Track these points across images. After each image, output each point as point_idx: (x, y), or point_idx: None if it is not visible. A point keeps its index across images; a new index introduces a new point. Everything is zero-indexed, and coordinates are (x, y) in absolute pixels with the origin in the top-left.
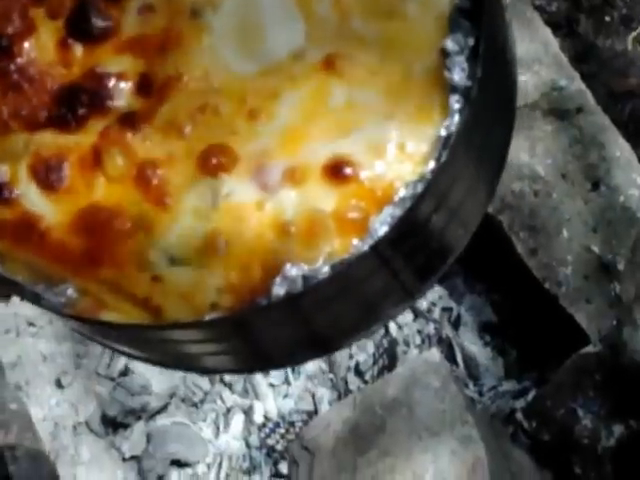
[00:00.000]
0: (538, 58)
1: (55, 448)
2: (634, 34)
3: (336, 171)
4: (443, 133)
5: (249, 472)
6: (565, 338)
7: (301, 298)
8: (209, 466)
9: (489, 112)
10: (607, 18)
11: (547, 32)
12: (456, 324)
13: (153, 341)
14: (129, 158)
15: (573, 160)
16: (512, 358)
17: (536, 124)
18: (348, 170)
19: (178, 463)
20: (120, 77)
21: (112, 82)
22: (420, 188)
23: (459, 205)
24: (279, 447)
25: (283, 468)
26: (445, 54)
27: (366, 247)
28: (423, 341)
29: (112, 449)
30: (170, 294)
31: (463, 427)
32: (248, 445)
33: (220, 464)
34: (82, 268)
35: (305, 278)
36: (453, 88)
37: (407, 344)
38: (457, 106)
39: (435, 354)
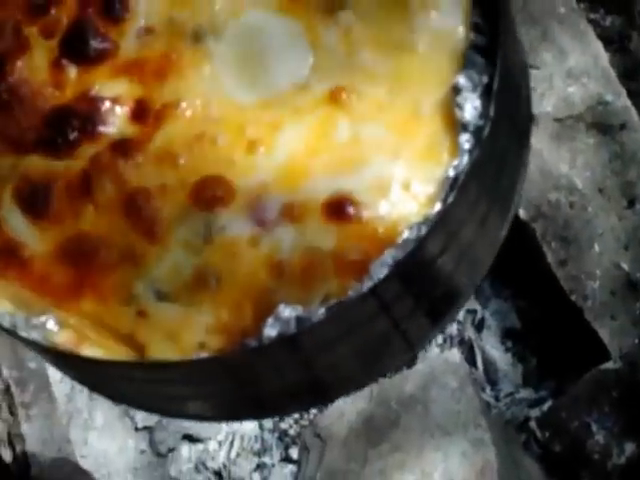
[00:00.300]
0: (587, 71)
1: (69, 410)
2: None
3: (337, 209)
4: (451, 174)
5: (259, 454)
6: (586, 351)
7: (294, 341)
8: (220, 444)
9: (501, 151)
10: None
11: (598, 46)
12: (479, 327)
13: (136, 380)
14: (120, 186)
15: (611, 176)
16: (531, 366)
17: (579, 136)
18: (350, 209)
19: (190, 438)
20: (115, 101)
21: (106, 106)
22: (424, 230)
23: (467, 247)
24: (292, 432)
25: (293, 453)
26: (457, 91)
27: (365, 289)
28: (445, 341)
29: (126, 417)
30: (156, 331)
31: (476, 430)
32: (261, 427)
33: (232, 443)
34: (64, 299)
35: (299, 320)
36: (464, 127)
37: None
38: (467, 146)
39: (455, 355)
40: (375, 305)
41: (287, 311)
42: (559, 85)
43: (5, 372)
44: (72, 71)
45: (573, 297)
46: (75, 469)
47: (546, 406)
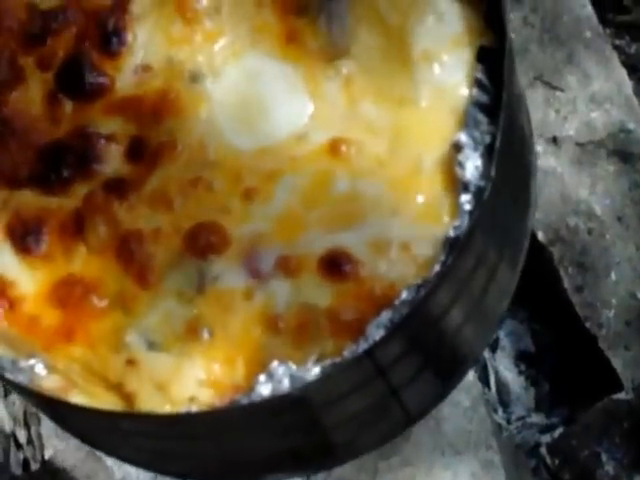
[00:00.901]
0: (610, 97)
1: None
2: None
3: (334, 266)
4: (451, 234)
5: None
6: (599, 380)
7: (286, 401)
8: None
9: (503, 208)
10: None
11: (623, 73)
12: (494, 347)
13: (122, 431)
14: (113, 228)
15: (631, 204)
16: (544, 391)
17: (600, 162)
18: (347, 266)
19: None
20: (110, 139)
21: (101, 144)
22: (423, 292)
23: (472, 306)
24: None
25: None
26: (458, 148)
27: (360, 351)
28: None
29: None
30: (145, 381)
31: (487, 451)
32: None
33: None
34: (53, 343)
35: (292, 378)
36: (465, 186)
37: None
38: (468, 207)
39: (469, 374)
40: (371, 368)
41: (281, 369)
42: (582, 109)
43: None
44: (68, 106)
45: (588, 324)
46: (88, 455)
47: (557, 433)
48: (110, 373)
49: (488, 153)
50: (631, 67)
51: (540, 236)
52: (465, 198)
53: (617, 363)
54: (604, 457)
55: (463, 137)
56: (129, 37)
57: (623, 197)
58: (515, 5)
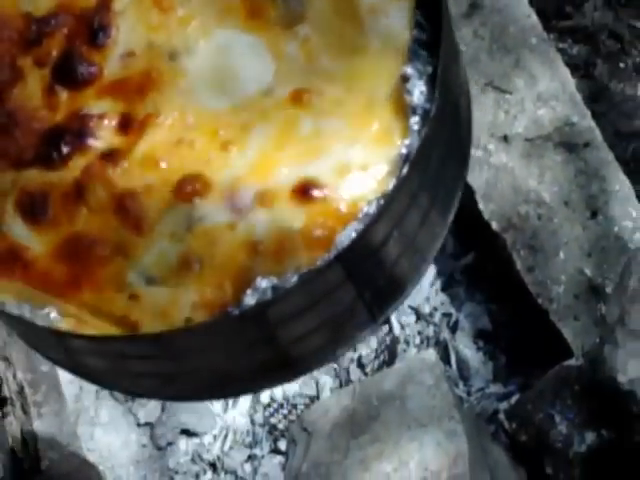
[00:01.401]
0: (555, 95)
1: (77, 409)
2: None
3: (304, 192)
4: (403, 151)
5: (251, 446)
6: (551, 350)
7: (271, 307)
8: (215, 437)
9: (445, 137)
10: (622, 65)
11: (566, 72)
12: (454, 329)
13: (125, 360)
14: (109, 190)
15: (576, 190)
16: (501, 364)
17: (547, 154)
18: (315, 191)
19: (187, 432)
20: (102, 117)
21: (94, 122)
22: (382, 203)
23: (414, 233)
24: (280, 426)
25: (282, 445)
26: (405, 79)
27: (331, 257)
28: (422, 341)
29: (129, 414)
30: (147, 311)
31: (449, 422)
32: (253, 422)
33: (225, 436)
34: (64, 293)
35: (274, 288)
36: (413, 110)
37: (407, 343)
38: (416, 127)
39: (432, 354)
40: (341, 273)
41: (264, 282)
42: (530, 108)
43: (19, 375)
44: (63, 94)
45: (540, 300)
46: (82, 462)
47: (514, 399)
48: (115, 309)
49: (431, 81)
50: (574, 66)
51: (494, 226)
52: (414, 120)
53: (568, 333)
54: (557, 418)
55: (409, 70)
56: (113, 30)
57: (569, 183)
58: (466, 21)
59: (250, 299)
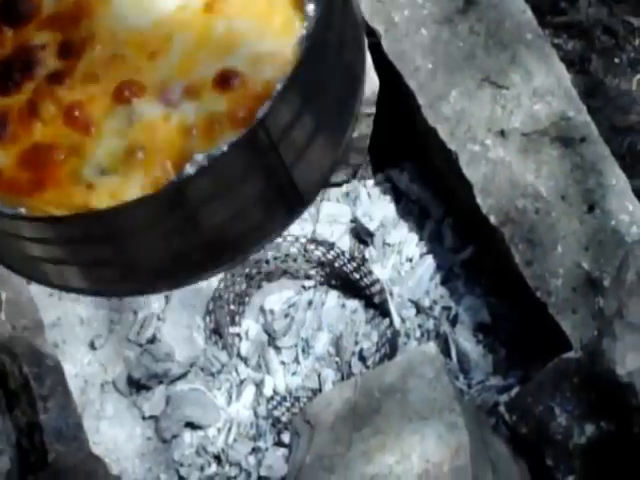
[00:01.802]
0: (551, 90)
1: (83, 402)
2: (639, 76)
3: (224, 82)
4: (303, 34)
5: (254, 439)
6: (550, 343)
7: (207, 175)
8: (219, 430)
9: (339, 20)
10: (616, 60)
11: (561, 68)
12: (454, 322)
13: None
14: (58, 104)
15: (573, 184)
16: (501, 356)
17: (544, 149)
18: (235, 80)
19: (192, 425)
20: (44, 47)
21: (38, 52)
22: (289, 78)
23: (326, 106)
24: (284, 419)
25: (285, 438)
26: None
27: (254, 123)
28: (422, 335)
29: (134, 408)
30: (103, 196)
31: (450, 415)
32: (256, 415)
33: (229, 429)
34: (31, 194)
35: (209, 156)
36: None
37: (408, 336)
38: (312, 13)
39: (432, 347)
40: (266, 140)
41: (200, 156)
42: (526, 103)
43: (25, 368)
44: (9, 32)
45: (538, 294)
46: (88, 455)
47: (514, 392)
48: (76, 200)
49: None
50: (569, 62)
51: (492, 220)
52: (310, 7)
53: (566, 326)
54: (557, 410)
55: None
56: None
57: (566, 178)
58: (462, 16)
59: (190, 170)
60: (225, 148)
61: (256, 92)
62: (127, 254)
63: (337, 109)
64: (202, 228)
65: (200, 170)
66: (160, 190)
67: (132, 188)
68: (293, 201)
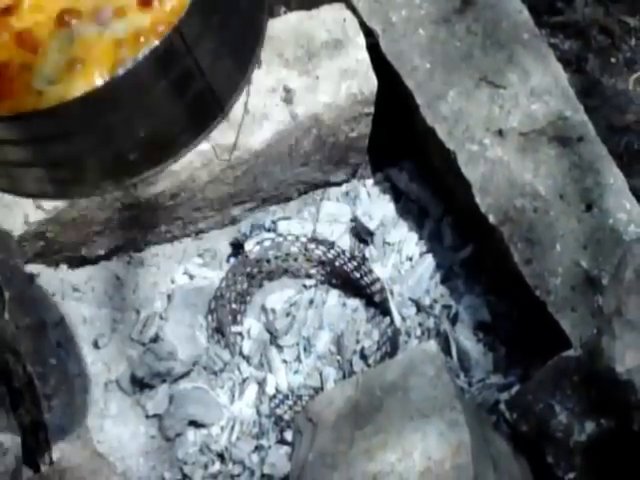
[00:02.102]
0: (548, 90)
1: (86, 401)
2: (635, 76)
3: (146, 1)
4: None
5: (257, 437)
6: (550, 341)
7: (133, 75)
8: (222, 428)
9: None
10: (613, 59)
11: (558, 67)
12: (454, 320)
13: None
14: (10, 31)
15: (571, 183)
16: (501, 355)
17: (541, 148)
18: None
19: (195, 424)
20: None
21: None
22: None
23: (226, 37)
24: (286, 417)
25: (288, 436)
26: None
27: (171, 31)
28: (423, 333)
29: (137, 406)
30: (51, 100)
31: (451, 412)
32: (259, 413)
33: (232, 427)
34: None
35: (134, 60)
36: None
37: (409, 335)
38: None
39: (433, 346)
40: (181, 46)
41: (128, 60)
42: (524, 102)
43: (29, 367)
44: None
45: (537, 292)
46: (92, 453)
47: (514, 390)
48: (29, 105)
49: None
50: (566, 61)
51: (491, 219)
52: None
53: (565, 324)
54: (557, 408)
55: None
56: None
57: (564, 177)
58: (459, 17)
59: (121, 70)
60: (147, 52)
61: (172, 9)
62: (75, 154)
63: (246, 21)
64: (135, 128)
65: (127, 72)
66: (94, 89)
67: (75, 93)
68: (212, 106)
